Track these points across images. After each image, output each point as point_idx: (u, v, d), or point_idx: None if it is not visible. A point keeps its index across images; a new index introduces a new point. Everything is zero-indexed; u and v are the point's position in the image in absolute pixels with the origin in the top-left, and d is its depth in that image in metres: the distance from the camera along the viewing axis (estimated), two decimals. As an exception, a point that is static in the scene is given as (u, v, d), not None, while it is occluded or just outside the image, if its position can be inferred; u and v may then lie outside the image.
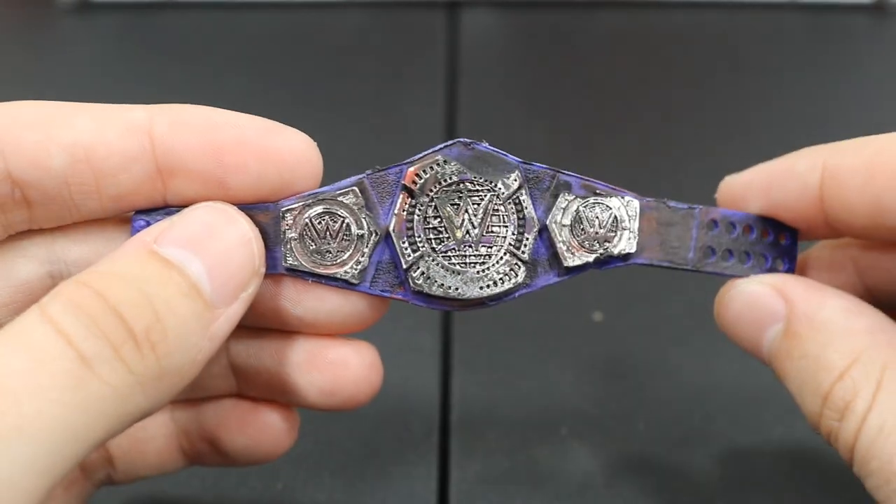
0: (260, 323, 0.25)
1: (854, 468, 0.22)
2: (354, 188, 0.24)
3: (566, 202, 0.25)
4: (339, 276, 0.24)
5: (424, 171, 0.24)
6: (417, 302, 0.24)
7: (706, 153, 0.46)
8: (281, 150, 0.23)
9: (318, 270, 0.24)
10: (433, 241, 0.24)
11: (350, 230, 0.24)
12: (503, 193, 0.24)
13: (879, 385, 0.22)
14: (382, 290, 0.24)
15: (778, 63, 0.53)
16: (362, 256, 0.24)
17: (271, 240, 0.24)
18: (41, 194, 0.22)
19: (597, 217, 0.25)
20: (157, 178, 0.23)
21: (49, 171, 0.22)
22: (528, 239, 0.24)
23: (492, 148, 0.24)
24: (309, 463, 0.32)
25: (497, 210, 0.24)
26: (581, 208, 0.25)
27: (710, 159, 0.44)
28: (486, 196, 0.24)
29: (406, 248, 0.24)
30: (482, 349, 0.36)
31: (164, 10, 0.56)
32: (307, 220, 0.24)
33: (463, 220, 0.24)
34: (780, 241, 0.26)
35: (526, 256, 0.24)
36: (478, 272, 0.24)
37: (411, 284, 0.24)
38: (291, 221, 0.24)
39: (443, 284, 0.24)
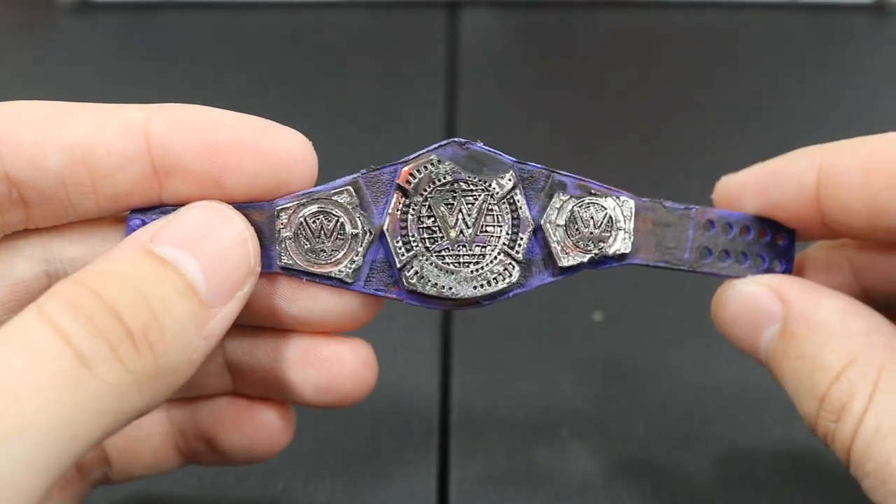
0: (255, 321, 0.25)
1: (851, 469, 0.22)
2: (349, 187, 0.24)
3: (561, 202, 0.25)
4: (333, 274, 0.24)
5: (419, 170, 0.24)
6: (411, 301, 0.25)
7: (706, 153, 0.46)
8: (277, 149, 0.23)
9: (312, 269, 0.24)
10: (427, 240, 0.24)
11: (344, 229, 0.24)
12: (497, 193, 0.24)
13: (876, 386, 0.22)
14: (377, 290, 0.24)
15: (778, 63, 0.53)
16: (356, 255, 0.24)
17: (266, 239, 0.24)
18: (38, 194, 0.22)
19: (591, 217, 0.25)
20: (153, 177, 0.23)
21: (46, 171, 0.22)
22: (522, 239, 0.24)
23: (486, 147, 0.24)
24: (309, 463, 0.32)
25: (491, 210, 0.24)
26: (576, 208, 0.25)
27: (709, 159, 0.44)
28: (480, 196, 0.24)
29: (400, 248, 0.24)
30: (482, 349, 0.36)
31: (164, 10, 0.56)
32: (302, 219, 0.24)
33: (457, 219, 0.24)
34: (777, 242, 0.26)
35: (520, 256, 0.24)
36: (472, 272, 0.24)
37: (405, 284, 0.24)
38: (286, 220, 0.24)
39: (436, 284, 0.24)
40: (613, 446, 0.33)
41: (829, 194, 0.24)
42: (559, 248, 0.25)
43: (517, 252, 0.24)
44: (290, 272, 0.24)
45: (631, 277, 0.39)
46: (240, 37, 0.54)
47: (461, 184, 0.24)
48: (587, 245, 0.25)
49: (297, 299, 0.25)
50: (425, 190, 0.24)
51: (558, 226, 0.25)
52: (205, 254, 0.22)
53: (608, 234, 0.25)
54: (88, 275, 0.20)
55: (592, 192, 0.25)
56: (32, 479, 0.17)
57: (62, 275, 0.24)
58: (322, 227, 0.24)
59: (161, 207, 0.24)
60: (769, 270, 0.26)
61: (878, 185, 0.23)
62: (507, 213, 0.24)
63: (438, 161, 0.24)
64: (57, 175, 0.22)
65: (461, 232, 0.24)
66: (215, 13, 0.55)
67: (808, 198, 0.24)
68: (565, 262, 0.25)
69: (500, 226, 0.24)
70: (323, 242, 0.24)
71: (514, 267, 0.24)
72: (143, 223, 0.23)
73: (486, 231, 0.24)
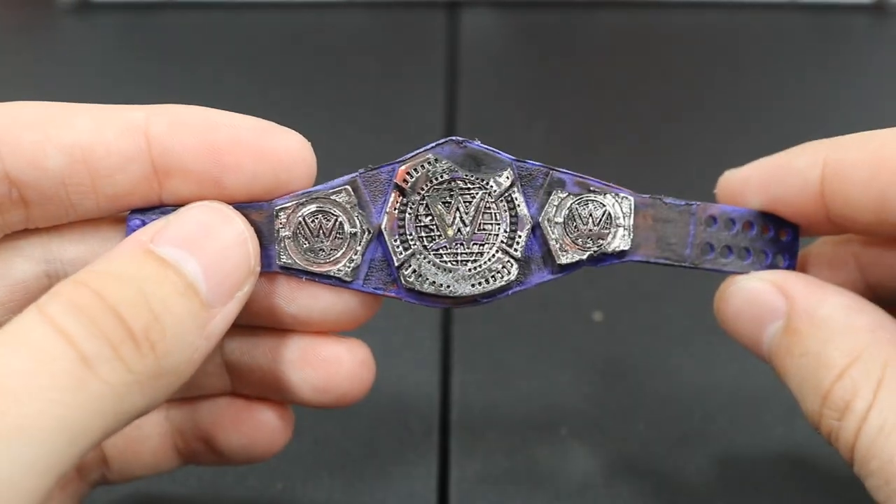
0: (254, 321, 0.25)
1: (854, 468, 0.22)
2: (347, 187, 0.24)
3: (559, 199, 0.25)
4: (332, 273, 0.24)
5: (416, 169, 0.24)
6: (410, 299, 0.25)
7: (706, 153, 0.46)
8: (276, 149, 0.23)
9: (311, 268, 0.24)
10: (424, 239, 0.24)
11: (343, 228, 0.24)
12: (495, 191, 0.24)
13: (880, 383, 0.22)
14: (375, 288, 0.25)
15: (778, 63, 0.53)
16: (355, 254, 0.24)
17: (265, 238, 0.24)
18: (38, 194, 0.22)
19: (590, 214, 0.25)
20: (153, 177, 0.23)
21: (47, 171, 0.22)
22: (520, 236, 0.24)
23: (484, 146, 0.24)
24: (308, 463, 0.32)
25: (489, 208, 0.24)
26: (574, 205, 0.25)
27: (709, 159, 0.44)
28: (477, 194, 0.24)
29: (398, 246, 0.24)
30: (482, 349, 0.36)
31: (164, 10, 0.56)
32: (301, 219, 0.24)
33: (454, 218, 0.24)
34: (780, 238, 0.26)
35: (518, 254, 0.24)
36: (469, 270, 0.24)
37: (403, 282, 0.24)
38: (285, 220, 0.24)
39: (434, 282, 0.24)
40: (613, 445, 0.33)
41: (834, 189, 0.24)
42: (558, 245, 0.25)
43: (515, 250, 0.24)
44: (290, 271, 0.24)
45: (631, 277, 0.39)
46: (240, 37, 0.54)
47: (458, 182, 0.24)
48: (586, 242, 0.25)
49: (296, 298, 0.25)
50: (422, 189, 0.24)
51: (556, 223, 0.25)
52: (205, 254, 0.22)
53: (607, 231, 0.25)
54: (89, 275, 0.20)
55: (591, 189, 0.25)
56: (34, 479, 0.17)
57: (62, 275, 0.24)
58: (321, 226, 0.24)
59: (161, 208, 0.24)
60: (772, 266, 0.26)
61: (884, 180, 0.22)
62: (505, 210, 0.24)
63: (435, 160, 0.24)
64: (57, 175, 0.22)
65: (458, 230, 0.24)
66: (215, 13, 0.55)
67: (812, 193, 0.24)
68: (564, 259, 0.25)
69: (498, 224, 0.24)
70: (322, 242, 0.24)
71: (512, 265, 0.24)
72: (143, 223, 0.23)
73: (484, 229, 0.24)
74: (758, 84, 0.51)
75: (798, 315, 0.24)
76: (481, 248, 0.24)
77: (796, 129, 0.47)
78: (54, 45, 0.55)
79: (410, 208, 0.24)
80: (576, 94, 0.51)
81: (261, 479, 0.31)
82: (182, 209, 0.23)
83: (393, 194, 0.24)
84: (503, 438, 0.33)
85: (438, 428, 0.33)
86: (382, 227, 0.24)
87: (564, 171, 0.25)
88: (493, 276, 0.24)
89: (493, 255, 0.24)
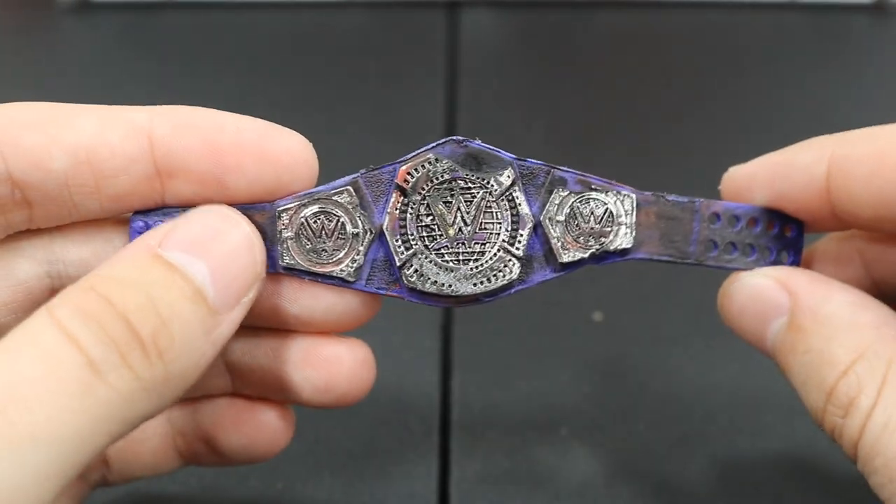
0: (256, 322, 0.25)
1: (858, 465, 0.22)
2: (349, 187, 0.24)
3: (560, 198, 0.25)
4: (335, 274, 0.24)
5: (416, 169, 0.24)
6: (412, 299, 0.25)
7: (706, 153, 0.46)
8: (278, 151, 0.23)
9: (314, 269, 0.24)
10: (426, 238, 0.24)
11: (345, 229, 0.24)
12: (496, 190, 0.24)
13: (885, 380, 0.22)
14: (378, 288, 0.25)
15: (778, 63, 0.53)
16: (357, 255, 0.24)
17: (268, 239, 0.24)
18: (41, 195, 0.22)
19: (592, 212, 0.25)
20: (156, 178, 0.23)
21: (50, 172, 0.22)
22: (522, 235, 0.24)
23: (485, 145, 0.24)
24: (309, 462, 0.32)
25: (490, 207, 0.24)
26: (576, 204, 0.25)
27: (709, 159, 0.44)
28: (478, 193, 0.24)
29: (399, 246, 0.24)
30: (482, 349, 0.36)
31: (164, 10, 0.56)
32: (303, 220, 0.24)
33: (455, 217, 0.24)
34: (785, 234, 0.26)
35: (520, 253, 0.24)
36: (471, 269, 0.24)
37: (405, 282, 0.24)
38: (287, 221, 0.24)
39: (436, 282, 0.24)
40: (613, 445, 0.33)
41: (839, 185, 0.24)
42: (559, 243, 0.25)
43: (517, 248, 0.24)
44: (293, 272, 0.24)
45: (631, 277, 0.39)
46: (240, 37, 0.54)
47: (459, 182, 0.24)
48: (588, 240, 0.25)
49: (298, 299, 0.25)
50: (423, 188, 0.24)
51: (558, 222, 0.25)
52: (213, 258, 0.22)
53: (609, 229, 0.25)
54: (97, 280, 0.20)
55: (593, 187, 0.25)
56: (43, 486, 0.17)
57: (64, 276, 0.24)
58: (323, 226, 0.24)
59: (164, 209, 0.24)
60: (777, 263, 0.26)
61: (890, 176, 0.22)
62: (507, 209, 0.24)
63: (436, 159, 0.24)
64: (60, 176, 0.22)
65: (460, 230, 0.24)
66: (215, 13, 0.55)
67: (817, 188, 0.24)
68: (566, 258, 0.25)
69: (500, 222, 0.24)
70: (324, 242, 0.24)
71: (514, 263, 0.24)
72: (146, 225, 0.23)
73: (486, 228, 0.24)
74: (758, 84, 0.51)
75: (802, 311, 0.24)
76: (483, 247, 0.24)
77: (796, 128, 0.47)
78: (54, 45, 0.55)
79: (412, 208, 0.24)
80: (576, 94, 0.51)
81: (261, 479, 0.31)
82: (189, 213, 0.23)
83: (394, 194, 0.24)
84: (503, 438, 0.33)
85: (438, 428, 0.33)
86: (384, 227, 0.24)
87: (566, 169, 0.25)
88: (494, 275, 0.24)
89: (495, 254, 0.24)
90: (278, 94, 0.50)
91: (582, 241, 0.25)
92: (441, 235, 0.24)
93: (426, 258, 0.24)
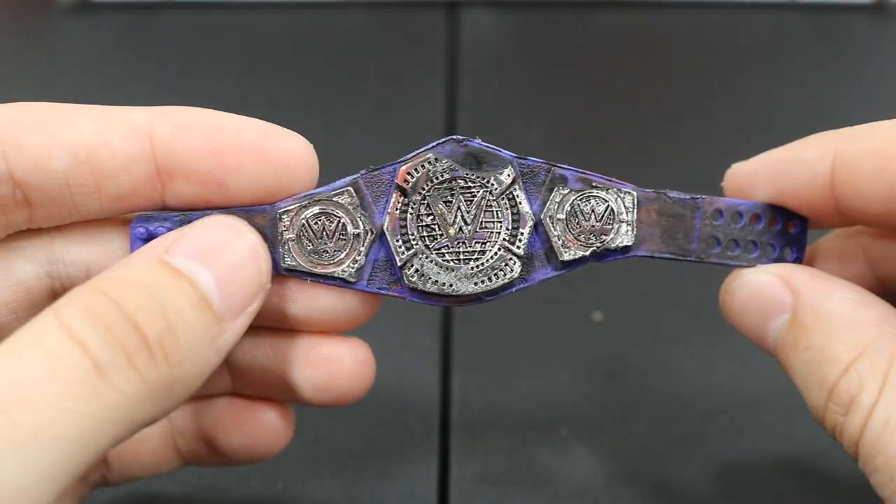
0: (256, 321, 0.25)
1: (859, 463, 0.22)
2: (349, 188, 0.24)
3: (561, 196, 0.25)
4: (336, 274, 0.24)
5: (416, 169, 0.24)
6: (413, 298, 0.25)
7: (706, 153, 0.46)
8: (279, 152, 0.23)
9: (316, 270, 0.24)
10: (426, 238, 0.24)
11: (346, 230, 0.24)
12: (496, 189, 0.24)
13: (886, 379, 0.21)
14: (379, 288, 0.25)
15: (778, 63, 0.53)
16: (359, 255, 0.24)
17: (269, 241, 0.24)
18: (42, 195, 0.22)
19: (592, 210, 0.25)
20: (157, 179, 0.23)
21: (51, 172, 0.22)
22: (522, 234, 0.24)
23: (485, 144, 0.24)
24: (309, 462, 0.32)
25: (490, 206, 0.24)
26: (576, 201, 0.25)
27: (709, 159, 0.44)
28: (478, 192, 0.24)
29: (400, 246, 0.24)
30: (482, 349, 0.36)
31: (164, 10, 0.56)
32: (304, 221, 0.24)
33: (455, 216, 0.24)
34: (788, 230, 0.26)
35: (521, 251, 0.24)
36: (472, 268, 0.24)
37: (406, 282, 0.24)
38: (288, 222, 0.24)
39: (437, 281, 0.24)
40: (613, 445, 0.33)
41: (844, 180, 0.23)
42: (560, 242, 0.25)
43: (518, 247, 0.24)
44: (294, 273, 0.24)
45: (631, 277, 0.39)
46: (240, 37, 0.54)
47: (459, 181, 0.24)
48: (589, 238, 0.25)
49: (297, 299, 0.25)
50: (423, 188, 0.24)
51: (559, 220, 0.25)
52: (219, 267, 0.22)
53: (610, 227, 0.25)
54: (105, 282, 0.20)
55: (594, 184, 0.25)
56: (45, 487, 0.17)
57: (64, 276, 0.24)
58: (324, 227, 0.24)
59: (165, 214, 0.24)
60: (780, 259, 0.26)
61: (895, 171, 0.22)
62: (507, 208, 0.24)
63: (436, 159, 0.24)
64: (61, 176, 0.22)
65: (460, 229, 0.24)
66: (215, 13, 0.55)
67: (821, 184, 0.24)
68: (567, 256, 0.25)
69: (500, 221, 0.24)
70: (325, 243, 0.24)
71: (515, 262, 0.24)
72: (147, 231, 0.24)
73: (486, 227, 0.24)
74: (758, 84, 0.51)
75: (804, 309, 0.23)
76: (483, 246, 0.24)
77: (796, 128, 0.46)
78: (54, 45, 0.55)
79: (412, 208, 0.24)
80: (576, 94, 0.51)
81: (261, 479, 0.31)
82: (196, 222, 0.23)
83: (394, 195, 0.24)
84: (503, 438, 0.33)
85: (438, 428, 0.33)
86: (385, 227, 0.24)
87: (566, 167, 0.25)
88: (495, 274, 0.24)
89: (496, 253, 0.24)
90: (278, 94, 0.50)
91: (583, 239, 0.25)
92: (441, 235, 0.24)
93: (427, 258, 0.24)
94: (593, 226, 0.25)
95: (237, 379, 0.27)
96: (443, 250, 0.24)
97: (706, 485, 0.32)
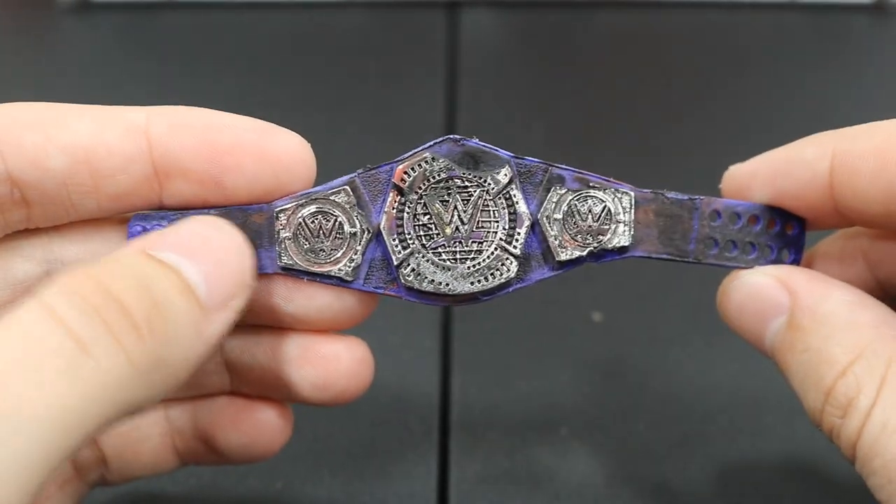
0: (253, 320, 0.25)
1: (856, 466, 0.22)
2: (346, 187, 0.24)
3: (558, 196, 0.25)
4: (333, 273, 0.24)
5: (413, 168, 0.24)
6: (410, 298, 0.25)
7: (706, 153, 0.45)
8: (277, 150, 0.23)
9: (312, 269, 0.24)
10: (423, 237, 0.24)
11: (343, 229, 0.24)
12: (493, 189, 0.24)
13: (884, 381, 0.21)
14: (376, 287, 0.25)
15: (778, 63, 0.53)
16: (355, 254, 0.24)
17: (266, 240, 0.24)
18: (40, 194, 0.22)
19: (589, 210, 0.25)
20: (154, 178, 0.23)
21: (48, 171, 0.22)
22: (519, 234, 0.24)
23: (482, 144, 0.24)
24: (308, 462, 0.32)
25: (487, 205, 0.24)
26: (574, 201, 0.25)
27: (709, 160, 0.44)
28: (475, 192, 0.24)
29: (396, 246, 0.24)
30: (482, 349, 0.36)
31: (164, 10, 0.56)
32: (301, 220, 0.24)
33: (452, 216, 0.24)
34: (786, 232, 0.26)
35: (518, 251, 0.24)
36: (468, 268, 0.24)
37: (402, 281, 0.24)
38: (285, 221, 0.24)
39: (433, 280, 0.24)
40: (613, 445, 0.33)
41: (843, 181, 0.23)
42: (557, 242, 0.25)
43: (515, 247, 0.24)
44: (291, 272, 0.24)
45: (631, 277, 0.39)
46: (240, 37, 0.54)
47: (456, 180, 0.24)
48: (586, 238, 0.25)
49: (294, 298, 0.25)
50: (420, 188, 0.24)
51: (556, 220, 0.25)
52: (203, 262, 0.21)
53: (607, 227, 0.25)
54: (89, 265, 0.20)
55: (591, 184, 0.25)
56: (28, 469, 0.17)
57: None
58: (321, 226, 0.24)
59: (162, 213, 0.24)
60: (777, 261, 0.26)
61: (895, 171, 0.22)
62: (504, 208, 0.24)
63: (433, 158, 0.24)
64: (59, 176, 0.22)
65: (457, 228, 0.24)
66: (215, 13, 0.55)
67: (820, 185, 0.24)
68: (564, 256, 0.25)
69: (497, 221, 0.24)
70: (322, 242, 0.24)
71: (511, 262, 0.24)
72: (144, 229, 0.24)
73: (483, 227, 0.24)
74: (758, 84, 0.51)
75: (801, 311, 0.23)
76: (480, 245, 0.24)
77: (796, 128, 0.46)
78: (54, 45, 0.55)
79: (408, 207, 0.24)
80: (575, 94, 0.51)
81: (261, 479, 0.31)
82: (179, 222, 0.23)
83: (391, 194, 0.24)
84: (503, 438, 0.33)
85: (438, 428, 0.33)
86: (381, 226, 0.24)
87: (564, 167, 0.25)
88: (492, 274, 0.24)
89: (492, 253, 0.24)
90: (278, 94, 0.50)
91: (580, 239, 0.25)
92: (438, 234, 0.24)
93: (423, 257, 0.24)
94: (590, 226, 0.25)
95: (236, 378, 0.27)
96: (439, 250, 0.24)
97: (706, 485, 0.32)
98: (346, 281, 0.24)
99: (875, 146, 0.23)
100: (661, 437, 0.33)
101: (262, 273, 0.24)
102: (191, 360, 0.21)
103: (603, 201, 0.25)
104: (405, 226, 0.24)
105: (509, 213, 0.24)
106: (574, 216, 0.25)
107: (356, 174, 0.24)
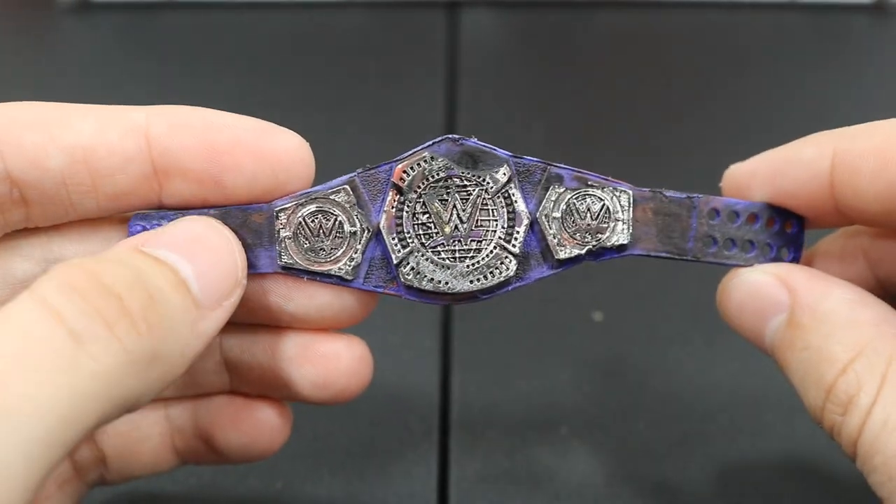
0: (252, 319, 0.25)
1: (857, 463, 0.22)
2: (346, 186, 0.24)
3: (557, 194, 0.25)
4: (333, 272, 0.24)
5: (412, 167, 0.24)
6: (409, 296, 0.25)
7: (705, 153, 0.45)
8: (276, 150, 0.23)
9: (312, 268, 0.24)
10: (422, 236, 0.24)
11: (343, 228, 0.24)
12: (491, 188, 0.24)
13: (884, 378, 0.21)
14: (376, 286, 0.25)
15: (778, 63, 0.53)
16: (355, 253, 0.24)
17: (266, 239, 0.24)
18: (39, 194, 0.22)
19: (588, 209, 0.25)
20: (154, 178, 0.23)
21: (48, 171, 0.22)
22: (518, 232, 0.24)
23: (481, 143, 0.24)
24: (308, 462, 0.32)
25: (486, 204, 0.24)
26: (572, 200, 0.25)
27: (709, 160, 0.44)
28: (473, 191, 0.24)
29: (396, 244, 0.24)
30: (482, 348, 0.36)
31: (164, 10, 0.56)
32: (301, 219, 0.24)
33: (451, 215, 0.24)
34: (786, 230, 0.26)
35: (517, 250, 0.24)
36: (467, 266, 0.24)
37: (402, 280, 0.24)
38: (285, 220, 0.24)
39: (432, 279, 0.24)
40: (613, 445, 0.33)
41: (843, 180, 0.23)
42: (556, 240, 0.25)
43: (514, 246, 0.24)
44: (291, 271, 0.24)
45: (631, 276, 0.39)
46: (240, 37, 0.54)
47: (455, 179, 0.24)
48: (584, 237, 0.25)
49: (293, 297, 0.25)
50: (419, 187, 0.24)
51: (554, 218, 0.25)
52: (196, 259, 0.22)
53: (606, 226, 0.25)
54: (84, 259, 0.20)
55: (589, 183, 0.25)
56: (26, 464, 0.17)
57: None
58: (321, 226, 0.24)
59: (162, 213, 0.24)
60: (777, 259, 0.26)
61: (895, 170, 0.22)
62: (503, 206, 0.24)
63: (432, 158, 0.24)
64: (58, 175, 0.22)
65: (456, 227, 0.24)
66: (215, 13, 0.55)
67: (820, 184, 0.24)
68: (563, 254, 0.25)
69: (496, 220, 0.24)
70: (322, 241, 0.24)
71: (511, 260, 0.24)
72: (144, 229, 0.24)
73: (482, 225, 0.24)
74: (758, 84, 0.51)
75: (801, 308, 0.23)
76: (479, 244, 0.24)
77: (796, 128, 0.46)
78: (54, 45, 0.55)
79: (408, 206, 0.24)
80: (575, 95, 0.51)
81: (261, 479, 0.31)
82: (173, 221, 0.23)
83: (390, 193, 0.24)
84: (503, 438, 0.33)
85: (438, 428, 0.33)
86: (381, 225, 0.24)
87: (562, 166, 0.25)
88: (491, 272, 0.24)
89: (491, 252, 0.24)
90: (278, 94, 0.50)
91: (579, 238, 0.25)
92: (437, 233, 0.24)
93: (423, 256, 0.24)
94: (589, 224, 0.25)
95: (235, 377, 0.27)
96: (438, 248, 0.24)
97: (706, 484, 0.32)
98: (346, 280, 0.24)
99: (875, 145, 0.23)
100: (661, 436, 0.33)
101: (262, 272, 0.24)
102: (186, 356, 0.21)
103: (601, 200, 0.25)
104: (404, 225, 0.24)
105: (508, 212, 0.24)
106: (573, 215, 0.25)
107: (356, 174, 0.24)
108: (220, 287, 0.22)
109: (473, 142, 0.24)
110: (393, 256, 0.24)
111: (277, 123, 0.24)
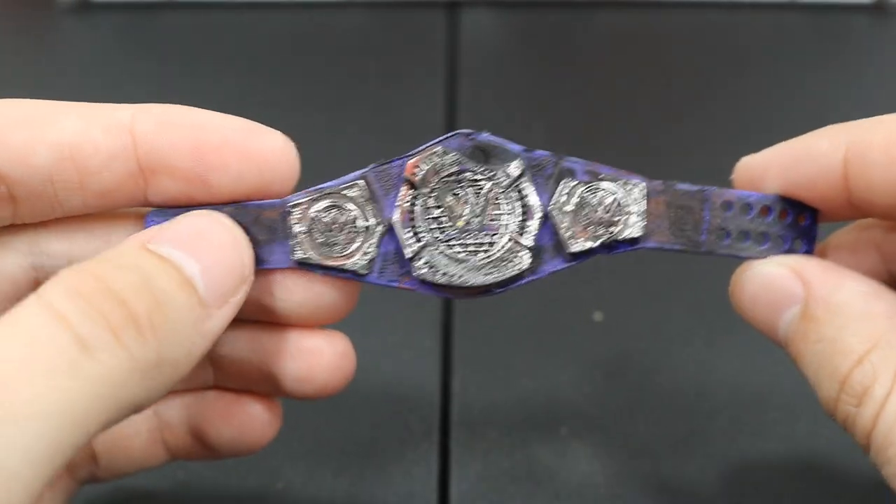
0: (237, 314, 0.25)
1: (870, 455, 0.22)
2: (359, 181, 0.24)
3: (569, 188, 0.25)
4: (347, 267, 0.24)
5: (424, 162, 0.24)
6: (424, 290, 0.25)
7: (706, 153, 0.45)
8: (262, 150, 0.23)
9: (327, 262, 0.24)
10: (436, 230, 0.24)
11: (356, 223, 0.24)
12: (504, 182, 0.24)
13: None
14: (390, 280, 0.25)
15: (778, 63, 0.53)
16: (369, 248, 0.24)
17: (280, 234, 0.24)
18: (26, 190, 0.22)
19: (601, 202, 0.25)
20: (139, 175, 0.23)
21: (35, 168, 0.22)
22: (531, 226, 0.25)
23: (493, 137, 0.24)
24: (309, 462, 0.32)
25: (498, 199, 0.25)
26: (585, 193, 0.25)
27: (709, 160, 0.44)
28: (486, 185, 0.24)
29: (409, 239, 0.24)
30: (483, 348, 0.36)
31: (164, 10, 0.56)
32: (314, 215, 0.24)
33: (464, 209, 0.24)
34: (799, 222, 0.26)
35: (530, 243, 0.25)
36: (481, 260, 0.25)
37: (416, 274, 0.24)
38: (299, 216, 0.24)
39: (446, 273, 0.24)
40: (614, 445, 0.33)
41: (856, 172, 0.23)
42: (568, 234, 0.25)
43: (527, 239, 0.25)
44: (305, 266, 0.24)
45: (632, 276, 0.39)
46: (240, 37, 0.54)
47: (467, 174, 0.24)
48: (597, 230, 0.25)
49: (275, 292, 0.25)
50: (431, 181, 0.24)
51: (567, 212, 0.25)
52: (202, 256, 0.22)
53: (618, 219, 0.25)
54: (91, 263, 0.20)
55: (601, 176, 0.25)
56: (32, 468, 0.17)
57: (49, 268, 0.24)
58: (335, 220, 0.24)
59: (177, 210, 0.24)
60: (790, 251, 0.26)
61: None
62: (516, 200, 0.25)
63: (444, 152, 0.24)
64: (45, 172, 0.22)
65: (469, 221, 0.25)
66: (215, 13, 0.55)
67: (834, 177, 0.24)
68: (575, 247, 0.25)
69: (509, 213, 0.25)
70: (336, 236, 0.24)
71: (525, 254, 0.25)
72: (159, 224, 0.23)
73: (495, 219, 0.25)
74: (758, 84, 0.51)
75: (815, 301, 0.23)
76: (492, 237, 0.25)
77: (796, 129, 0.46)
78: (54, 45, 0.55)
79: (420, 201, 0.24)
80: (576, 95, 0.51)
81: (261, 479, 0.31)
82: (178, 216, 0.23)
83: (403, 188, 0.24)
84: (504, 438, 0.33)
85: (438, 427, 0.33)
86: (393, 220, 0.24)
87: (574, 159, 0.25)
88: (505, 266, 0.25)
89: (505, 245, 0.25)
90: (278, 94, 0.50)
91: (591, 231, 0.25)
92: (450, 227, 0.25)
93: (436, 250, 0.24)
94: (601, 217, 0.25)
95: (219, 371, 0.27)
96: (452, 242, 0.25)
97: (707, 484, 0.32)
98: (361, 274, 0.25)
99: (889, 138, 0.23)
100: (662, 436, 0.33)
101: (275, 267, 0.25)
102: (192, 357, 0.21)
103: (614, 193, 0.25)
104: (417, 219, 0.24)
105: (521, 206, 0.25)
106: (585, 208, 0.25)
107: (369, 168, 0.25)
108: (225, 284, 0.22)
109: (485, 136, 0.24)
110: (406, 251, 0.24)
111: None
